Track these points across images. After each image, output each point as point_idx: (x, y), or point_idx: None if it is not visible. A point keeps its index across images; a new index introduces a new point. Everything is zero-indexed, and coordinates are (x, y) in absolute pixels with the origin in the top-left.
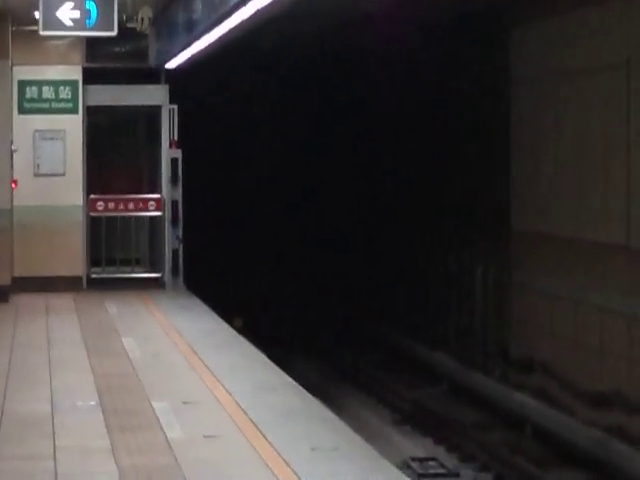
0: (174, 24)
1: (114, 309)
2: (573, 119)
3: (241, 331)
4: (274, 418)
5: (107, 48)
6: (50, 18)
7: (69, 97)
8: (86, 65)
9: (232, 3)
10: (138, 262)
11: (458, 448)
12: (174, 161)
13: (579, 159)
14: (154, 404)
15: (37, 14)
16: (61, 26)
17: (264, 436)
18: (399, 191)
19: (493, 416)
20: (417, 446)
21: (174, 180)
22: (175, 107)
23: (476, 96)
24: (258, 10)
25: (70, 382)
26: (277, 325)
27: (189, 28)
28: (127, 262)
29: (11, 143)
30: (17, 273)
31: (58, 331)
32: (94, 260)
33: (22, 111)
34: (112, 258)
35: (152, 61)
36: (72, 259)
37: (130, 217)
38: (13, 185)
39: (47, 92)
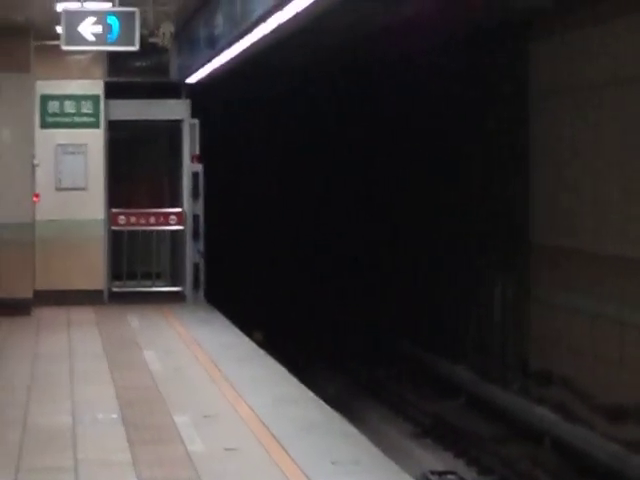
0: (195, 39)
1: (135, 322)
2: (593, 132)
3: (261, 344)
4: (295, 432)
5: (129, 63)
6: (72, 33)
7: (91, 111)
8: (108, 80)
9: (253, 18)
10: (159, 276)
11: (477, 461)
12: (195, 175)
13: (599, 173)
14: (175, 417)
15: (59, 29)
16: (83, 41)
17: (285, 450)
18: (418, 205)
19: (512, 429)
20: (437, 459)
21: (195, 194)
22: (196, 121)
23: (496, 109)
24: (279, 25)
25: (91, 395)
26: (297, 338)
27: (210, 43)
28: (148, 276)
29: (33, 157)
30: (39, 287)
31: (80, 344)
32: (115, 274)
33: (44, 125)
34: (133, 272)
35: (173, 76)
36: (93, 273)
37: (151, 231)
38: (35, 199)
39: (69, 106)
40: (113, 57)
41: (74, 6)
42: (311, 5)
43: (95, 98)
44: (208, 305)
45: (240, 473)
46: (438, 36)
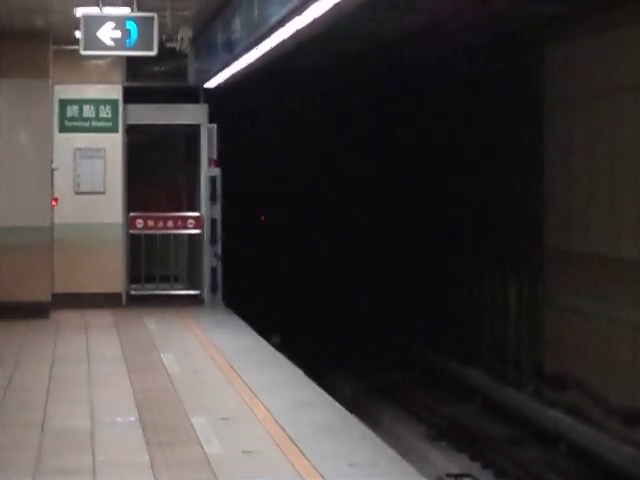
0: (213, 44)
1: (153, 325)
2: (607, 137)
3: (279, 348)
4: (312, 434)
5: (147, 68)
6: (91, 38)
7: (109, 116)
8: (126, 84)
9: (271, 23)
10: (177, 279)
11: (493, 464)
12: (213, 179)
13: (613, 177)
14: (193, 420)
15: (78, 34)
16: (102, 46)
17: (302, 452)
18: (433, 207)
19: (527, 432)
20: (452, 462)
21: (213, 198)
22: (214, 126)
23: (510, 114)
24: (297, 30)
25: (110, 397)
26: (314, 341)
27: (228, 48)
28: (166, 279)
29: (52, 161)
30: (57, 290)
31: (98, 347)
32: (133, 277)
33: (63, 129)
34: (151, 275)
35: (191, 81)
36: (112, 276)
37: (169, 235)
38: (54, 203)
39: (88, 111)
40: (131, 62)
41: (93, 11)
42: (329, 11)
43: (114, 102)
44: (226, 308)
45: (257, 475)
46: (455, 42)
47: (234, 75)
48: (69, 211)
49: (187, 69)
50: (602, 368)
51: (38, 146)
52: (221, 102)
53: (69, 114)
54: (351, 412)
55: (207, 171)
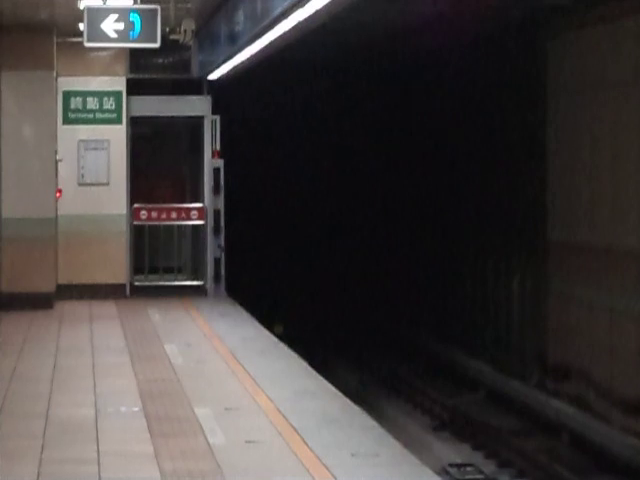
0: (216, 36)
1: (157, 316)
2: (610, 129)
3: (282, 338)
4: (315, 424)
5: (150, 60)
6: (94, 30)
7: (113, 108)
8: (130, 76)
9: (274, 15)
10: (180, 270)
11: (496, 454)
12: (216, 171)
13: (615, 169)
14: (196, 410)
15: (82, 26)
16: (105, 38)
17: (305, 442)
18: (437, 200)
19: (531, 423)
20: (455, 452)
21: (216, 189)
22: (217, 118)
23: (513, 105)
24: (299, 22)
25: (113, 388)
26: (317, 332)
27: (231, 40)
28: (170, 270)
29: (56, 153)
30: (61, 281)
31: (102, 337)
32: (137, 268)
33: (67, 121)
34: (155, 266)
35: (195, 72)
36: (115, 267)
37: (173, 226)
38: (58, 194)
39: (91, 103)
40: (135, 54)
41: (96, 3)
42: (331, 3)
43: (117, 94)
44: (229, 299)
45: (261, 465)
46: (458, 34)
47: (237, 67)
48: (73, 202)
49: (190, 61)
50: (606, 358)
51: (42, 138)
52: (224, 94)
53: (73, 106)
54: (354, 402)
55: (210, 162)
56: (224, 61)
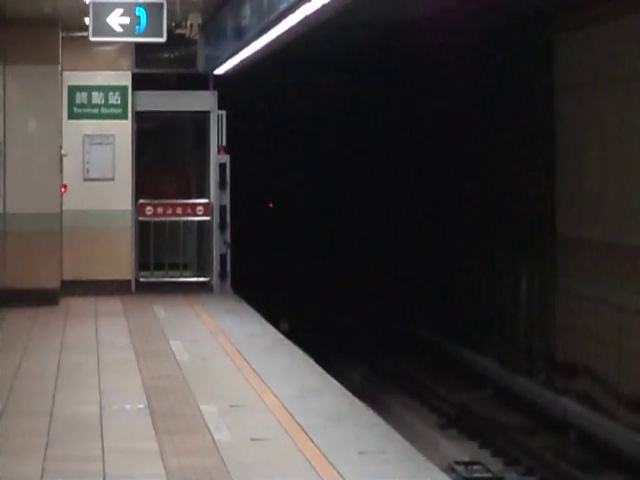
0: (223, 30)
1: (162, 312)
2: (618, 125)
3: (288, 334)
4: (321, 422)
5: (156, 54)
6: (100, 24)
7: (118, 102)
8: (135, 71)
9: (280, 10)
10: (186, 266)
11: (503, 452)
12: (222, 166)
13: (624, 165)
14: (202, 407)
15: (87, 20)
16: (111, 32)
17: (311, 439)
18: (444, 195)
19: (538, 420)
20: (462, 450)
21: (222, 185)
22: (223, 113)
23: (521, 100)
24: (306, 17)
25: (118, 384)
26: (323, 328)
27: (237, 35)
28: (175, 266)
29: (61, 148)
30: (66, 277)
31: (107, 334)
32: (142, 264)
33: (72, 116)
34: (160, 262)
35: (201, 67)
36: (121, 263)
37: (178, 222)
38: (62, 189)
39: (97, 97)
40: (141, 48)
41: None
42: None
43: (123, 89)
44: (235, 295)
45: (266, 463)
46: (467, 29)
47: (243, 62)
48: (78, 198)
49: (196, 56)
50: (614, 355)
51: (47, 133)
52: (230, 89)
53: (78, 101)
54: (361, 400)
55: (216, 158)
56: (230, 56)
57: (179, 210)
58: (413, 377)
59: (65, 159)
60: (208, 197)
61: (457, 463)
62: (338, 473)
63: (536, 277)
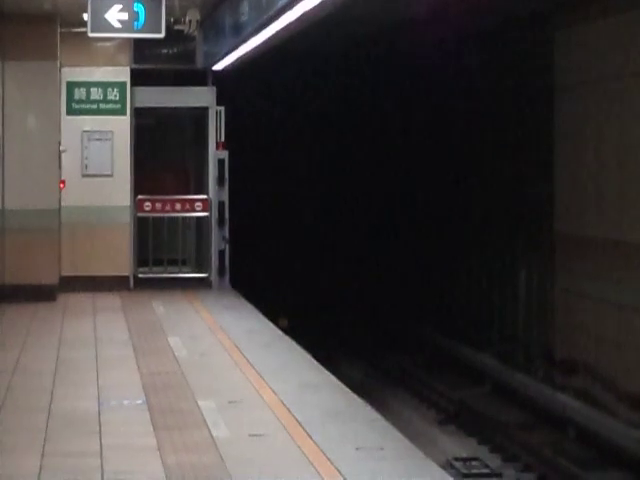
0: (221, 26)
1: (161, 308)
2: (618, 122)
3: (286, 331)
4: (319, 417)
5: (155, 50)
6: (98, 20)
7: (117, 98)
8: (134, 67)
9: (279, 6)
10: (185, 262)
11: (501, 448)
12: (221, 162)
13: (623, 163)
14: (200, 403)
15: (85, 16)
16: (109, 28)
17: (309, 435)
18: (444, 193)
19: (536, 417)
20: (461, 446)
21: (221, 181)
22: (222, 109)
23: (520, 99)
24: (304, 13)
25: (117, 380)
26: (321, 325)
27: (236, 31)
28: (174, 262)
29: (59, 144)
30: (64, 272)
31: (105, 330)
32: (141, 260)
33: (70, 112)
34: (159, 258)
35: (199, 63)
36: (119, 259)
37: (177, 218)
38: (61, 185)
39: (95, 93)
40: (139, 44)
41: None
42: None
43: (121, 85)
44: (233, 291)
45: (264, 458)
46: (465, 26)
47: (242, 58)
48: (77, 194)
49: (195, 51)
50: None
51: (46, 128)
52: (229, 85)
53: (77, 96)
54: (359, 396)
55: (215, 154)
56: (229, 52)
57: (178, 206)
58: (412, 374)
59: (64, 155)
60: (207, 193)
61: (456, 459)
62: (336, 469)
63: (535, 274)
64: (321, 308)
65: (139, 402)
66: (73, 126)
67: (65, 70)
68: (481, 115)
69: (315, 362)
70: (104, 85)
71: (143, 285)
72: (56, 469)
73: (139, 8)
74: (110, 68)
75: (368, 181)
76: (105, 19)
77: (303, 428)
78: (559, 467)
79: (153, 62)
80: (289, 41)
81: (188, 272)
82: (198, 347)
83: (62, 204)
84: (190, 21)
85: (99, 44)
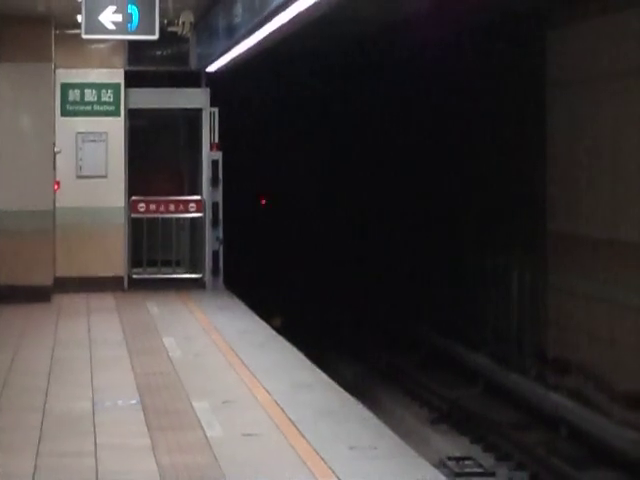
0: (215, 28)
1: (155, 309)
2: (610, 121)
3: (279, 331)
4: (312, 417)
5: (149, 52)
6: (92, 22)
7: (111, 100)
8: (128, 68)
9: (272, 7)
10: (179, 263)
11: (494, 447)
12: (215, 163)
13: (616, 161)
14: (194, 403)
15: (80, 18)
16: (103, 30)
17: (302, 435)
18: (435, 192)
19: (529, 416)
20: (453, 445)
21: (214, 182)
22: (216, 110)
23: (512, 97)
24: (298, 14)
25: (111, 381)
26: (315, 325)
27: (230, 32)
28: (168, 263)
29: (54, 145)
30: (59, 273)
31: (99, 330)
32: (135, 261)
33: (65, 113)
34: (153, 259)
35: (193, 65)
36: (113, 260)
37: (171, 218)
38: (56, 187)
39: (89, 95)
40: (133, 46)
41: None
42: None
43: (115, 86)
44: (227, 292)
45: (258, 458)
46: (459, 25)
47: (236, 59)
48: (71, 195)
49: (189, 53)
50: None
51: (40, 130)
52: (223, 86)
53: (71, 98)
54: (352, 395)
55: (209, 155)
56: (222, 53)
57: (172, 207)
58: (405, 373)
59: (58, 156)
60: (201, 194)
61: (449, 458)
62: (329, 468)
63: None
64: (315, 308)
65: (133, 402)
66: (67, 127)
67: (59, 72)
68: (473, 115)
69: (308, 361)
70: (98, 87)
71: (137, 286)
72: (51, 469)
73: (133, 10)
74: (104, 70)
75: (361, 180)
76: (99, 21)
77: (296, 428)
78: (552, 466)
79: (147, 64)
80: (283, 42)
81: (182, 273)
82: (192, 347)
83: (56, 205)
84: (184, 23)
85: (93, 46)
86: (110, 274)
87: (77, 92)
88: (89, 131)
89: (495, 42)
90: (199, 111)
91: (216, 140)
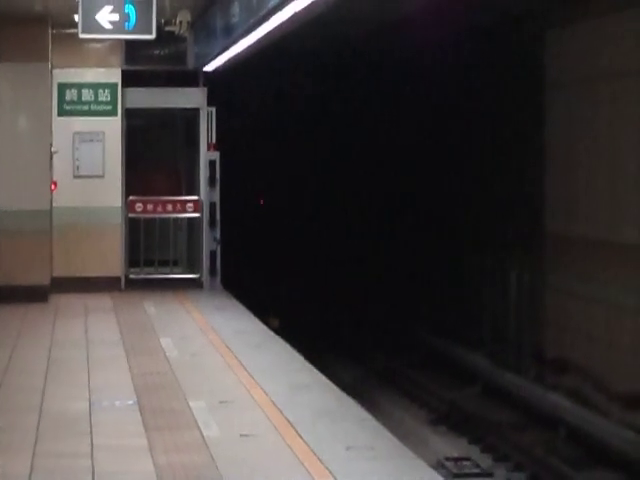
0: (212, 27)
1: (152, 309)
2: (609, 122)
3: (277, 331)
4: (310, 417)
5: (146, 51)
6: (89, 21)
7: (108, 99)
8: (125, 68)
9: (270, 6)
10: (176, 263)
11: (492, 448)
12: (212, 163)
13: (614, 161)
14: (191, 403)
15: (76, 17)
16: (100, 29)
17: (300, 435)
18: (435, 193)
19: (527, 416)
20: (452, 446)
21: (212, 182)
22: (213, 109)
23: (511, 98)
24: (295, 13)
25: (108, 381)
26: (313, 325)
27: (227, 31)
28: (165, 263)
29: (51, 145)
30: (56, 273)
31: (96, 331)
32: (132, 261)
33: (62, 113)
34: (150, 259)
35: (190, 64)
36: (111, 260)
37: (168, 218)
38: (52, 186)
39: (86, 94)
40: (130, 45)
41: None
42: None
43: (112, 86)
44: (224, 292)
45: (255, 458)
46: (458, 25)
47: (233, 58)
48: (68, 195)
49: (186, 52)
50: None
51: (37, 130)
52: (220, 85)
53: (68, 98)
54: (350, 396)
55: (206, 155)
56: (220, 53)
57: (169, 207)
58: (403, 374)
59: (55, 156)
60: (198, 194)
61: (447, 459)
62: (326, 469)
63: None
64: (312, 309)
65: (130, 402)
66: (64, 127)
67: (56, 71)
68: (471, 115)
69: (306, 362)
70: (95, 86)
71: (134, 286)
72: (47, 469)
73: (130, 9)
74: (101, 69)
75: (359, 181)
76: (96, 20)
77: (294, 428)
78: (550, 467)
79: (144, 63)
80: (280, 42)
81: (179, 273)
82: (189, 348)
83: (53, 205)
84: (181, 22)
85: (90, 45)
86: (107, 274)
87: (74, 92)
88: (86, 131)
89: (494, 42)
90: (196, 111)
91: (213, 140)
